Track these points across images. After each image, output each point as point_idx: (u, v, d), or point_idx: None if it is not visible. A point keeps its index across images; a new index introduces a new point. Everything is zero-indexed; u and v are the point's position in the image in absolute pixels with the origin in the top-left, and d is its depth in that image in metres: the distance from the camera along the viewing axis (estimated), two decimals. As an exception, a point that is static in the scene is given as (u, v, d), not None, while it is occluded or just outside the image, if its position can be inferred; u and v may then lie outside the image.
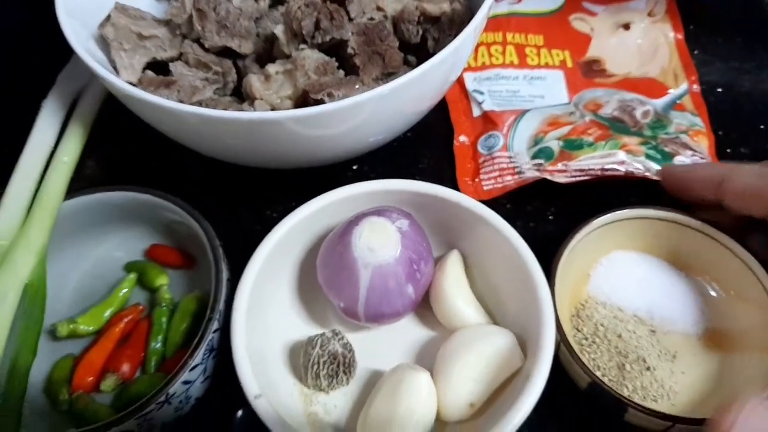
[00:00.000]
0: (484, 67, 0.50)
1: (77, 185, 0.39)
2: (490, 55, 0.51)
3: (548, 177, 0.42)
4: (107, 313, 0.38)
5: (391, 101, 0.35)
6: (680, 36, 0.53)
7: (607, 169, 0.42)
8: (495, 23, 0.53)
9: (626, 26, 0.53)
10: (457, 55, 0.37)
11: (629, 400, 0.32)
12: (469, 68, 0.50)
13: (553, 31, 0.53)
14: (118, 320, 0.38)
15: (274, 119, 0.32)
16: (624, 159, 0.42)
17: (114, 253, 0.41)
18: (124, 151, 0.46)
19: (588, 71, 0.51)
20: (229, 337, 0.33)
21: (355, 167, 0.46)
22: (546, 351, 0.32)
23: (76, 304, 0.39)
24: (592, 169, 0.42)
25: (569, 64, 0.51)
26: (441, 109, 0.49)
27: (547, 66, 0.51)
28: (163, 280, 0.39)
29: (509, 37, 0.52)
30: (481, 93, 0.49)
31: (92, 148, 0.40)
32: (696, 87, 0.50)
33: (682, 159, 0.43)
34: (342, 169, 0.46)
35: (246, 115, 0.32)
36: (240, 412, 0.37)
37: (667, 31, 0.53)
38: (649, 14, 0.54)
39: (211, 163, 0.42)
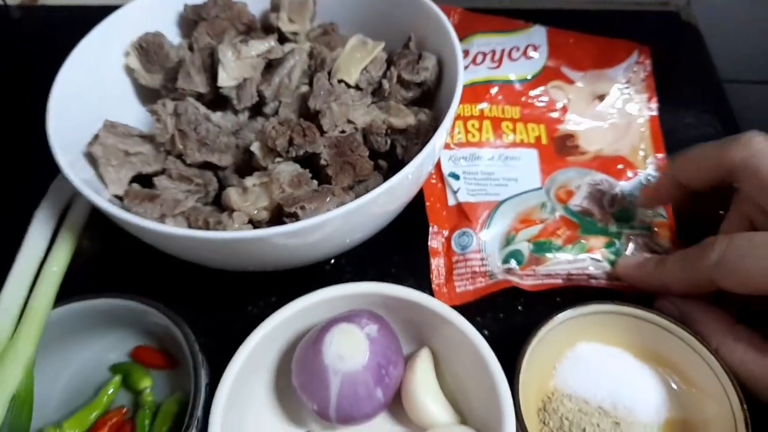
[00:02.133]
0: (460, 144, 0.52)
1: (65, 291, 0.41)
2: (467, 131, 0.52)
3: (517, 281, 0.44)
4: (92, 416, 0.40)
5: (359, 213, 0.37)
6: (654, 109, 0.55)
7: (573, 275, 0.45)
8: (473, 93, 0.54)
9: (601, 97, 0.55)
10: (423, 165, 0.39)
11: (590, 500, 0.33)
12: (445, 146, 0.51)
13: (530, 103, 0.55)
14: (102, 424, 0.39)
15: (245, 238, 0.35)
16: (589, 266, 0.45)
17: (100, 356, 0.43)
18: (110, 257, 0.48)
19: (562, 147, 0.53)
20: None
21: (332, 261, 0.49)
22: (507, 453, 0.33)
23: (64, 406, 0.41)
24: (559, 274, 0.45)
25: (544, 140, 0.53)
26: (418, 200, 0.51)
27: (522, 143, 0.53)
28: (146, 383, 0.41)
29: (486, 110, 0.54)
30: (457, 178, 0.51)
31: (80, 256, 0.42)
32: (663, 168, 0.52)
33: None
34: (320, 264, 0.48)
35: (218, 234, 0.34)
36: None
37: (641, 105, 0.55)
38: (626, 83, 0.56)
39: (193, 265, 0.44)
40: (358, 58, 0.45)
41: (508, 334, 0.41)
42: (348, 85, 0.44)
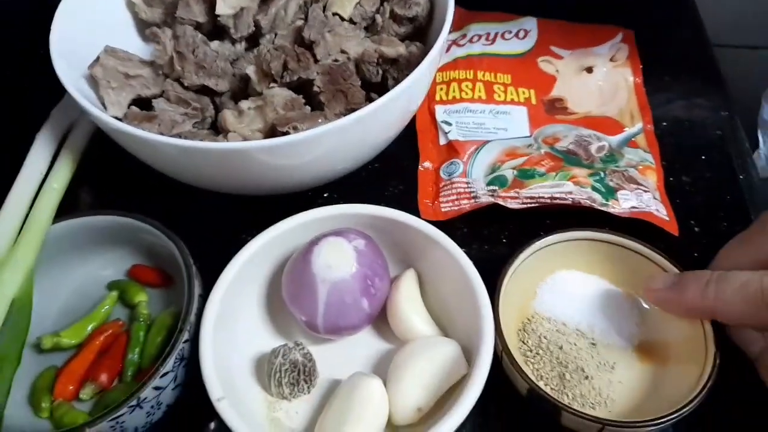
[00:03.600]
0: (454, 100, 0.54)
1: (65, 210, 0.42)
2: (461, 90, 0.55)
3: (500, 202, 0.46)
4: (89, 328, 0.41)
5: (350, 133, 0.39)
6: (639, 80, 0.57)
7: (556, 198, 0.46)
8: (468, 62, 0.57)
9: (589, 69, 0.58)
10: (411, 92, 0.41)
11: (562, 404, 0.35)
12: (440, 101, 0.54)
13: (521, 72, 0.57)
14: (98, 334, 0.41)
15: (241, 149, 0.36)
16: (572, 189, 0.46)
17: (98, 273, 0.44)
18: (109, 179, 0.50)
19: (551, 108, 0.55)
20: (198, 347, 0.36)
21: (326, 195, 0.50)
22: (484, 357, 0.35)
23: (62, 319, 0.42)
24: (542, 197, 0.46)
25: (533, 101, 0.55)
26: (407, 142, 0.52)
27: (512, 102, 0.55)
28: (141, 297, 0.42)
29: (480, 75, 0.56)
30: (449, 124, 0.53)
31: (80, 177, 0.44)
32: (650, 126, 0.53)
33: (626, 193, 0.47)
34: (314, 197, 0.50)
35: (215, 145, 0.36)
36: (213, 425, 0.40)
37: (627, 75, 0.57)
38: (612, 59, 0.58)
39: (190, 191, 0.46)
40: (352, -7, 0.46)
41: (492, 264, 0.42)
42: (342, 19, 0.46)
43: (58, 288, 0.43)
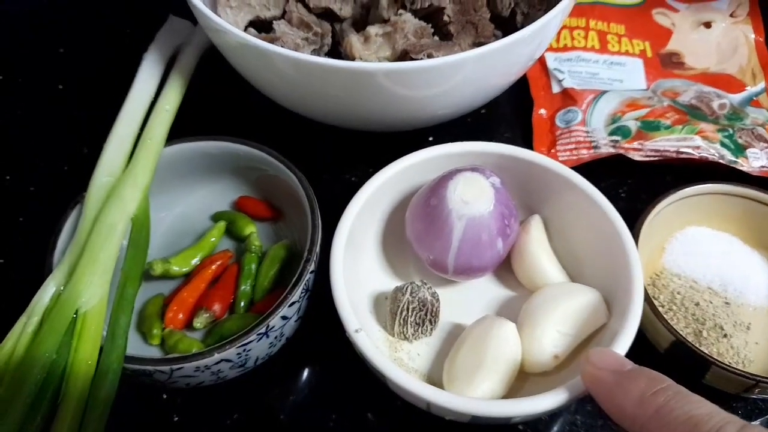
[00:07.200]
0: (566, 48, 0.52)
1: (174, 135, 0.40)
2: (573, 38, 0.53)
3: (623, 153, 0.44)
4: (197, 258, 0.40)
5: (483, 66, 0.36)
6: (761, 38, 0.54)
7: (682, 152, 0.44)
8: (578, 10, 0.55)
9: (707, 24, 0.55)
10: (546, 30, 0.38)
11: (713, 358, 0.33)
12: (550, 49, 0.52)
13: (635, 23, 0.55)
14: (209, 263, 0.39)
15: (370, 70, 0.33)
16: (700, 144, 0.44)
17: (203, 203, 0.43)
18: (217, 107, 0.48)
19: (667, 63, 0.53)
20: (321, 282, 0.34)
21: (431, 139, 0.48)
22: (635, 307, 0.32)
23: (165, 250, 0.41)
24: (668, 151, 0.44)
25: (649, 53, 0.53)
26: (515, 91, 0.50)
27: (627, 53, 0.53)
28: (251, 229, 0.40)
29: (592, 23, 0.54)
30: (562, 72, 0.51)
31: (189, 102, 0.42)
32: None
33: (755, 152, 0.44)
34: (419, 140, 0.48)
35: (344, 63, 0.33)
36: (307, 371, 0.38)
37: (747, 32, 0.54)
38: (731, 15, 0.55)
39: (295, 127, 0.43)
40: None
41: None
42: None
43: (162, 216, 0.42)
